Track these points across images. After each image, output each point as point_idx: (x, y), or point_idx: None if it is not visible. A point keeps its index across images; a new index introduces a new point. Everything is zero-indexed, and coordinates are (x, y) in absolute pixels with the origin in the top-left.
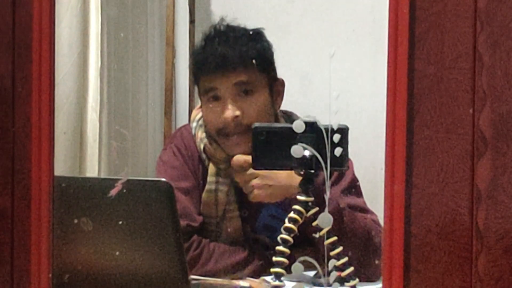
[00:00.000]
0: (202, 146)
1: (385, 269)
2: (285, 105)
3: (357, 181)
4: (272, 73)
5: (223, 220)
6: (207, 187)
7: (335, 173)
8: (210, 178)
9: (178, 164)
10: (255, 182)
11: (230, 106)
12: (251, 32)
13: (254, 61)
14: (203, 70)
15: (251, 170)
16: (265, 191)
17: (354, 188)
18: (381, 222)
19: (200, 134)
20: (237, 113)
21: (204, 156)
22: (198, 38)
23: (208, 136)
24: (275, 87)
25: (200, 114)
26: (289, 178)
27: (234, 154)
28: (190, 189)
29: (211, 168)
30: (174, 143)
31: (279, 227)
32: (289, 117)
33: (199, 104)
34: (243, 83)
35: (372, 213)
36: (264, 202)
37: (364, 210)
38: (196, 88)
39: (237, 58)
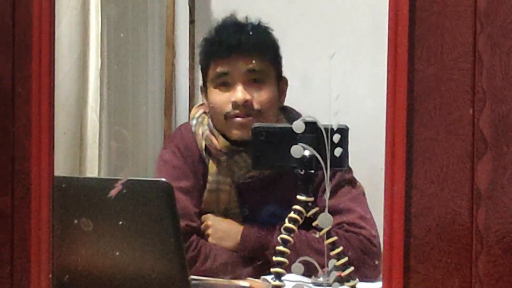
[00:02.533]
0: (203, 144)
1: (385, 269)
2: (286, 105)
3: (348, 173)
4: (279, 70)
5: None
6: (208, 186)
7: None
8: (210, 178)
9: (178, 164)
10: (209, 222)
11: (241, 91)
12: (268, 27)
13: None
14: (217, 54)
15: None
16: (216, 233)
17: (344, 182)
18: (381, 222)
19: (201, 131)
20: (248, 97)
21: (204, 154)
22: (199, 38)
23: (210, 126)
24: (281, 84)
25: (200, 111)
26: (231, 227)
27: (237, 139)
28: (190, 189)
29: (212, 167)
30: (174, 142)
31: (279, 225)
32: (287, 113)
33: (198, 103)
34: (255, 71)
35: (354, 211)
36: (264, 202)
37: (343, 211)
38: (198, 80)
39: (252, 44)
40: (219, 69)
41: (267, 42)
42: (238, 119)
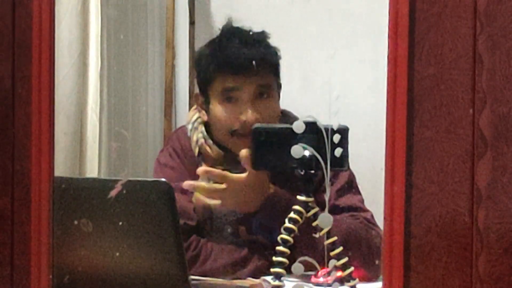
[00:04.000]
0: (197, 150)
1: (385, 269)
2: (285, 105)
3: (353, 177)
4: (279, 77)
5: (217, 221)
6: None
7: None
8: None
9: (175, 165)
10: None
11: (250, 109)
12: (269, 36)
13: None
14: (224, 69)
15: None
16: (237, 199)
17: (350, 185)
18: (380, 222)
19: (195, 137)
20: (258, 116)
21: (198, 158)
22: (198, 39)
23: (205, 134)
24: (280, 90)
25: (196, 116)
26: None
27: (238, 153)
28: (187, 189)
29: None
30: (170, 145)
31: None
32: (286, 116)
33: (194, 106)
34: (263, 86)
35: (366, 211)
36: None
37: (358, 208)
38: (197, 88)
39: (260, 59)
40: (226, 85)
41: (272, 54)
42: (246, 139)
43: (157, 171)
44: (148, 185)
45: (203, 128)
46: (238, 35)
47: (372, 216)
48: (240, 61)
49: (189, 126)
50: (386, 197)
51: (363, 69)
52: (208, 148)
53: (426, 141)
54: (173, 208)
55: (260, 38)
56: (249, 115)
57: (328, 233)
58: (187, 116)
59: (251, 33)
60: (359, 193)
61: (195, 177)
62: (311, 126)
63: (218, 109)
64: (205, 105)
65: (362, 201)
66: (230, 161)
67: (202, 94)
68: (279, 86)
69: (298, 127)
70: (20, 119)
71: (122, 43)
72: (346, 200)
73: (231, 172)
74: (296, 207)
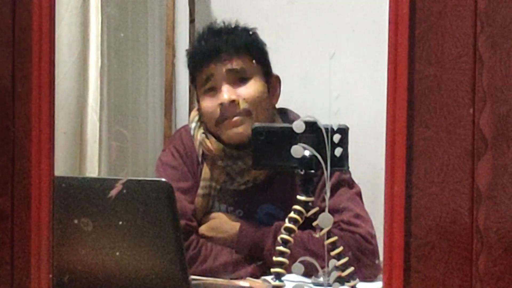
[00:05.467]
0: (201, 150)
1: (385, 269)
2: (285, 105)
3: (346, 173)
4: (266, 67)
5: None
6: (199, 191)
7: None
8: (203, 183)
9: (177, 165)
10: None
11: (225, 91)
12: (250, 30)
13: (249, 52)
14: (198, 63)
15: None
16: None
17: (342, 182)
18: (381, 222)
19: (198, 135)
20: (233, 97)
21: (201, 158)
22: None
23: (206, 129)
24: (271, 81)
25: (198, 115)
26: (229, 226)
27: (232, 142)
28: (189, 189)
29: (205, 172)
30: (173, 144)
31: (275, 225)
32: (285, 115)
33: (197, 106)
34: (236, 70)
35: (350, 210)
36: (257, 207)
37: (342, 209)
38: (194, 89)
39: (229, 46)
40: (203, 76)
41: (245, 41)
42: (228, 121)
43: (159, 170)
44: (148, 184)
45: (204, 125)
46: (212, 30)
47: (354, 215)
48: (207, 52)
49: (192, 125)
50: (386, 197)
51: (363, 69)
52: (209, 143)
53: (426, 141)
54: (173, 208)
55: (234, 28)
56: (224, 96)
57: (328, 233)
58: (191, 115)
59: (224, 25)
60: (351, 188)
61: (197, 177)
62: (311, 126)
63: (202, 101)
64: (199, 103)
65: (354, 195)
66: (229, 156)
67: (195, 92)
68: (265, 71)
69: (298, 126)
70: (20, 118)
71: (122, 42)
72: (332, 202)
73: (232, 169)
74: (296, 206)
